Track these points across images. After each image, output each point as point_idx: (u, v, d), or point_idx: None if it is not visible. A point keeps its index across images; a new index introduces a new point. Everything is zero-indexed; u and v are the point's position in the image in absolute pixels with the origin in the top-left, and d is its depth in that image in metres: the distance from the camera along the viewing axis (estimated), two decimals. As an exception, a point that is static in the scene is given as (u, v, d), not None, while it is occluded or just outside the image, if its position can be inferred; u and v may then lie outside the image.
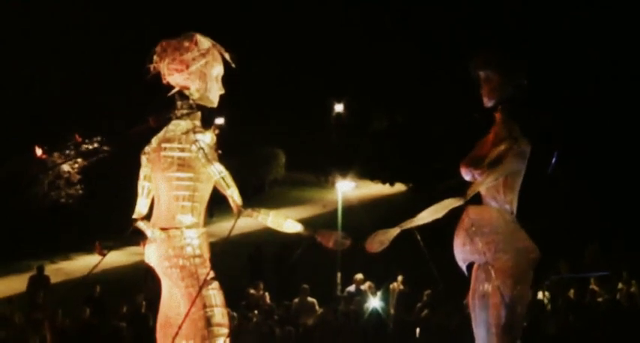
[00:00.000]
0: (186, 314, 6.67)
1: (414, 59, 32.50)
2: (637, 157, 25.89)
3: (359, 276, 19.22)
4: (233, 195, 6.85)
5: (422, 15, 32.65)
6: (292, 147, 40.22)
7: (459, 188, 7.50)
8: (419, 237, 7.35)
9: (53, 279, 21.39)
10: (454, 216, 7.41)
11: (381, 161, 36.72)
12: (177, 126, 6.99)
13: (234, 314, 14.60)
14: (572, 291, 16.69)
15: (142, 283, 18.27)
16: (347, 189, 26.75)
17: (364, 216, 25.22)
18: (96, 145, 25.15)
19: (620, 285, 17.09)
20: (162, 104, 7.06)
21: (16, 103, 31.95)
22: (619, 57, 27.08)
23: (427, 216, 7.27)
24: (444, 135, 29.68)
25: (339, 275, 22.28)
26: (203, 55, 6.97)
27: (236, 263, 21.51)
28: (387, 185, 38.07)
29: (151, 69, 7.03)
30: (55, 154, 28.60)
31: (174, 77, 6.97)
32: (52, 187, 32.32)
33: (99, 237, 7.89)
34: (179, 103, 7.03)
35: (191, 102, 7.02)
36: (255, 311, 16.82)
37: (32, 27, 33.53)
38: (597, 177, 26.15)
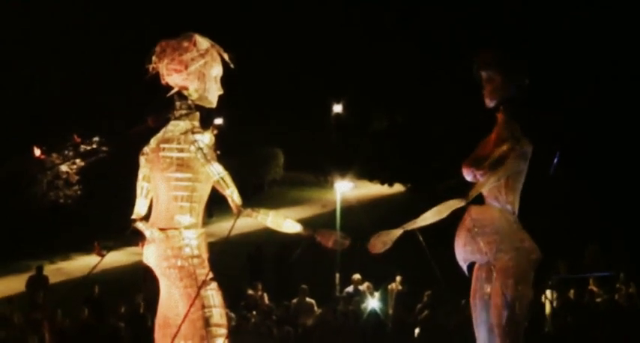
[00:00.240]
0: (186, 315, 6.66)
1: (414, 59, 32.49)
2: (637, 158, 25.88)
3: (357, 276, 19.23)
4: (232, 195, 6.85)
5: (422, 15, 32.64)
6: (291, 147, 40.20)
7: (459, 188, 7.50)
8: (421, 238, 7.35)
9: (52, 279, 21.41)
10: (456, 216, 7.41)
11: (380, 161, 36.70)
12: (176, 127, 6.98)
13: (232, 314, 14.59)
14: (571, 292, 16.70)
15: (141, 283, 18.25)
16: (346, 189, 26.77)
17: (363, 217, 25.19)
18: (94, 146, 25.16)
19: (618, 286, 17.09)
20: (162, 104, 7.06)
21: (16, 103, 31.95)
22: (619, 57, 27.06)
23: (430, 217, 7.27)
24: (443, 136, 29.68)
25: (337, 275, 22.27)
26: (202, 56, 6.96)
27: (235, 263, 21.51)
28: (386, 185, 38.07)
29: (150, 69, 7.03)
30: (54, 155, 28.58)
31: (173, 77, 6.97)
32: (50, 187, 32.35)
33: (98, 237, 7.89)
34: (178, 104, 7.02)
35: (190, 102, 7.02)
36: (254, 312, 16.82)
37: (32, 27, 33.53)
38: (597, 177, 26.14)
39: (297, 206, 35.31)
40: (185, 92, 7.00)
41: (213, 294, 6.83)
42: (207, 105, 7.11)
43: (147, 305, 16.38)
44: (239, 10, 37.82)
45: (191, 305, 6.66)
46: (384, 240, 7.36)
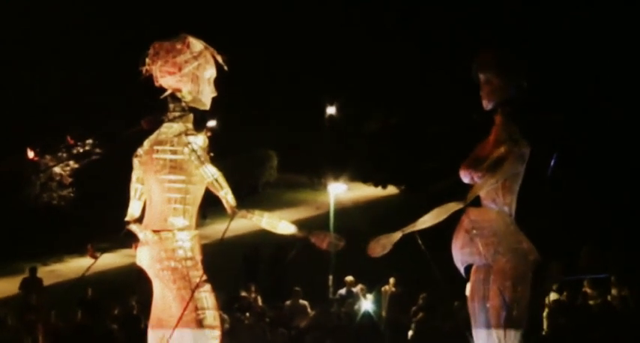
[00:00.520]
0: (180, 317, 6.66)
1: (414, 59, 32.51)
2: (634, 159, 25.90)
3: (349, 278, 19.24)
4: (227, 196, 6.86)
5: (422, 15, 32.67)
6: (285, 149, 40.16)
7: (452, 190, 7.51)
8: (420, 241, 7.37)
9: (46, 281, 21.32)
10: (452, 218, 7.41)
11: (374, 163, 36.70)
12: (170, 129, 6.99)
13: (226, 316, 14.58)
14: (564, 294, 16.71)
15: (134, 285, 18.24)
16: (339, 191, 26.75)
17: (357, 218, 25.23)
18: (88, 148, 25.13)
19: (612, 288, 17.10)
20: (156, 106, 7.06)
21: (16, 103, 31.89)
22: (619, 57, 27.09)
23: (428, 220, 7.28)
24: (438, 137, 29.70)
25: (331, 277, 22.27)
26: (195, 58, 6.97)
27: (229, 265, 21.49)
28: (380, 187, 38.08)
29: (144, 71, 7.03)
30: (47, 156, 28.56)
31: (167, 79, 6.97)
32: (44, 189, 32.29)
33: (91, 239, 7.88)
34: (171, 106, 7.03)
35: (183, 104, 7.02)
36: (248, 314, 16.81)
37: (32, 27, 33.51)
38: (593, 179, 26.16)
39: (290, 208, 35.25)
40: (179, 94, 7.00)
41: (206, 296, 6.83)
42: (201, 108, 7.12)
43: (140, 306, 16.36)
44: (238, 11, 37.78)
45: (185, 308, 6.66)
46: (383, 244, 7.39)
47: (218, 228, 24.75)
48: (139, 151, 7.13)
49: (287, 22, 37.33)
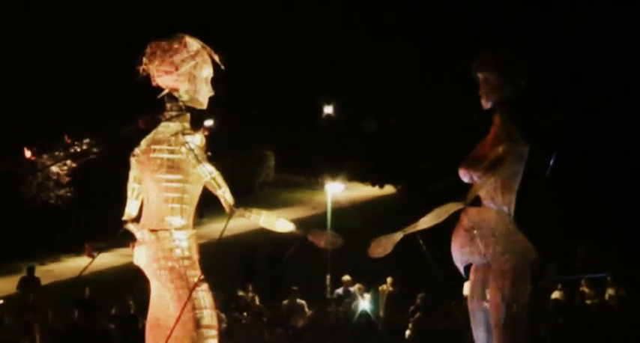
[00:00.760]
0: (178, 317, 6.65)
1: (414, 59, 32.53)
2: (632, 159, 25.91)
3: (346, 278, 19.25)
4: (225, 194, 6.85)
5: (422, 15, 32.68)
6: (282, 148, 40.20)
7: (450, 189, 7.51)
8: (421, 242, 7.37)
9: (43, 281, 21.33)
10: (451, 217, 7.41)
11: (372, 163, 36.73)
12: (167, 128, 6.98)
13: (223, 315, 14.58)
14: (561, 293, 16.73)
15: (132, 285, 18.23)
16: (336, 190, 26.76)
17: (354, 218, 25.24)
18: (85, 147, 25.12)
19: (609, 288, 17.11)
20: (153, 106, 7.05)
21: (16, 103, 31.88)
22: (618, 57, 27.10)
23: (429, 220, 7.27)
24: (436, 137, 29.72)
25: (328, 277, 22.28)
26: (192, 57, 6.96)
27: (227, 264, 21.49)
28: (377, 187, 38.11)
29: (141, 71, 7.02)
30: (45, 156, 28.57)
31: (164, 79, 6.96)
32: (41, 189, 32.29)
33: (89, 238, 7.86)
34: (168, 105, 7.01)
35: (180, 104, 7.01)
36: (245, 313, 16.81)
37: (32, 27, 33.50)
38: (590, 178, 26.17)
39: (287, 207, 35.27)
40: (176, 94, 6.99)
41: (204, 296, 6.82)
42: (198, 107, 7.10)
43: (138, 306, 16.35)
44: (237, 11, 37.79)
45: (183, 308, 6.65)
46: (384, 245, 7.39)
47: (215, 228, 24.82)
48: (136, 151, 7.11)
49: (287, 22, 37.34)
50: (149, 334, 7.12)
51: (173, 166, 6.86)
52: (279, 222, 7.00)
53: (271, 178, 42.34)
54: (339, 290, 19.21)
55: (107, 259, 20.75)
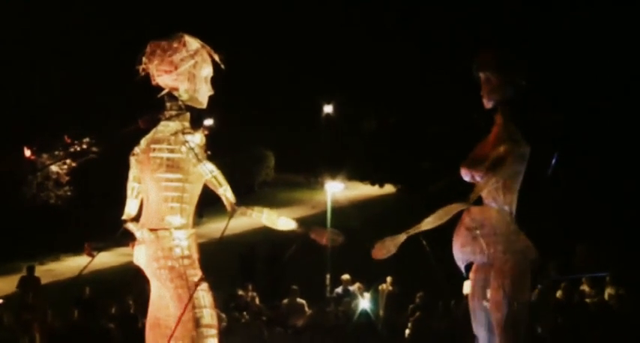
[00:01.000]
0: (180, 318, 6.65)
1: (414, 59, 32.52)
2: (633, 158, 25.91)
3: (345, 277, 19.24)
4: (226, 192, 6.85)
5: (422, 15, 32.68)
6: (282, 148, 40.21)
7: (451, 189, 7.51)
8: (425, 242, 7.38)
9: (42, 280, 21.34)
10: (453, 217, 7.41)
11: (371, 163, 36.72)
12: (167, 128, 6.97)
13: (223, 315, 14.59)
14: (561, 292, 16.72)
15: (131, 284, 18.24)
16: (336, 190, 26.75)
17: (353, 217, 25.23)
18: (85, 146, 25.14)
19: (609, 287, 17.11)
20: (153, 106, 7.06)
21: (16, 103, 31.88)
22: (619, 57, 27.09)
23: (432, 221, 7.27)
24: (436, 137, 29.72)
25: (328, 276, 22.28)
26: (192, 56, 6.95)
27: (227, 263, 21.49)
28: (377, 186, 38.10)
29: (140, 70, 7.02)
30: (44, 155, 28.58)
31: (163, 78, 6.95)
32: (40, 188, 32.29)
33: (88, 238, 7.86)
34: (168, 104, 7.00)
35: (180, 103, 7.00)
36: (245, 313, 16.81)
37: (32, 27, 33.51)
38: (590, 177, 26.17)
39: (287, 207, 35.25)
40: (175, 93, 6.99)
41: (203, 295, 6.82)
42: (198, 106, 7.10)
43: (137, 305, 16.36)
44: (237, 11, 37.79)
45: (185, 308, 6.65)
46: (388, 247, 7.39)
47: (214, 227, 24.84)
48: (136, 150, 7.11)
49: (287, 22, 37.34)
50: (149, 333, 7.11)
51: (173, 165, 6.85)
52: (281, 220, 6.99)
53: (271, 178, 42.35)
54: (339, 290, 19.20)
55: (107, 258, 20.77)
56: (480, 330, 7.53)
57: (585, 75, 27.27)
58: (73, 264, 26.84)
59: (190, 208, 6.98)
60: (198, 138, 6.93)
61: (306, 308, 17.71)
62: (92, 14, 34.70)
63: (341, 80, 37.37)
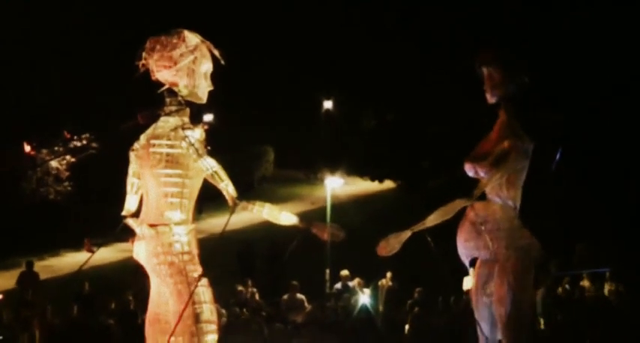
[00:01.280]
0: (181, 314, 6.65)
1: (414, 59, 32.55)
2: (633, 157, 25.92)
3: (345, 273, 19.25)
4: (227, 187, 6.84)
5: (422, 15, 32.70)
6: (281, 144, 40.22)
7: (450, 185, 7.52)
8: (429, 239, 7.39)
9: (42, 276, 21.35)
10: (457, 212, 7.42)
11: (371, 158, 36.75)
12: (166, 123, 6.97)
13: (223, 310, 14.58)
14: (559, 289, 16.75)
15: (131, 280, 18.22)
16: (336, 185, 26.75)
17: (353, 213, 25.25)
18: (84, 142, 25.13)
19: (608, 284, 17.13)
20: (153, 101, 7.06)
21: (16, 103, 31.89)
22: (619, 57, 27.10)
23: (437, 217, 7.30)
24: (436, 133, 29.74)
25: (327, 271, 22.28)
26: (191, 52, 6.95)
27: (227, 259, 21.51)
28: (376, 182, 38.12)
29: (140, 66, 7.01)
30: (44, 151, 28.57)
31: (163, 74, 6.95)
32: (40, 184, 32.27)
33: (88, 233, 7.87)
34: (168, 100, 7.00)
35: (180, 98, 7.00)
36: (244, 309, 16.80)
37: (32, 27, 33.51)
38: (591, 175, 26.18)
39: (286, 203, 35.20)
40: (175, 88, 6.99)
41: (203, 290, 6.82)
42: (197, 102, 7.10)
43: (137, 301, 16.35)
44: (238, 11, 37.81)
45: (187, 304, 6.65)
46: (392, 244, 7.40)
47: (214, 223, 24.85)
48: (136, 145, 7.11)
49: (287, 22, 37.36)
50: (149, 329, 7.12)
51: (172, 161, 6.85)
52: (283, 215, 6.99)
53: (270, 173, 42.35)
54: (338, 285, 19.21)
55: (106, 254, 20.75)
56: (483, 325, 7.55)
57: (585, 75, 27.28)
58: (72, 260, 26.80)
59: (190, 204, 6.98)
60: (198, 134, 6.93)
61: (306, 304, 17.70)
62: (92, 14, 34.72)
63: (341, 80, 37.42)
